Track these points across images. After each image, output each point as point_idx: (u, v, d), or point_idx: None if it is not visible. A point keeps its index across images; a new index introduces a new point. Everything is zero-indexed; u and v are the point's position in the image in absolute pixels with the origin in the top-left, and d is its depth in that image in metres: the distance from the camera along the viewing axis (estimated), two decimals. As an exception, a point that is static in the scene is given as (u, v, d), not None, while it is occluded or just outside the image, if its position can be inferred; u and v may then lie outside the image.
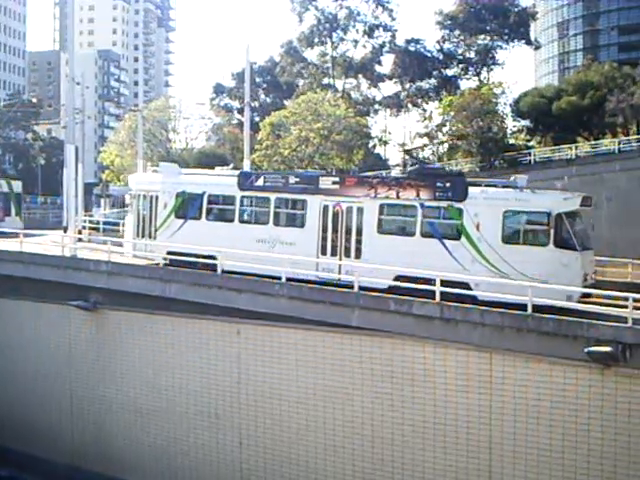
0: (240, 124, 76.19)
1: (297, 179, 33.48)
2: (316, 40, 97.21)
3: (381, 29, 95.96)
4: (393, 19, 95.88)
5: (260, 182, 33.80)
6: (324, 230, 31.79)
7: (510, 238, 28.54)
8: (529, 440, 24.64)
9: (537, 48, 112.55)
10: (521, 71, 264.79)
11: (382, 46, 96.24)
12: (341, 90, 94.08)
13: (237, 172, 36.77)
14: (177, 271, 32.27)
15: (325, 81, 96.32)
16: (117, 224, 51.30)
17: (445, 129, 77.47)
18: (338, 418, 28.03)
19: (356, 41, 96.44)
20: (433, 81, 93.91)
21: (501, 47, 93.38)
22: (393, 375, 26.86)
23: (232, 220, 34.01)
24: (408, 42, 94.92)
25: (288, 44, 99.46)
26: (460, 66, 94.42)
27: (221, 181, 35.67)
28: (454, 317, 25.93)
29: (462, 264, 28.68)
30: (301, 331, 28.74)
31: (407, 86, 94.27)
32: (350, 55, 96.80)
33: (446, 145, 78.62)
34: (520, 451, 24.80)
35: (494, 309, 25.37)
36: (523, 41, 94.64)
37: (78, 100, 57.80)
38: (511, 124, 79.43)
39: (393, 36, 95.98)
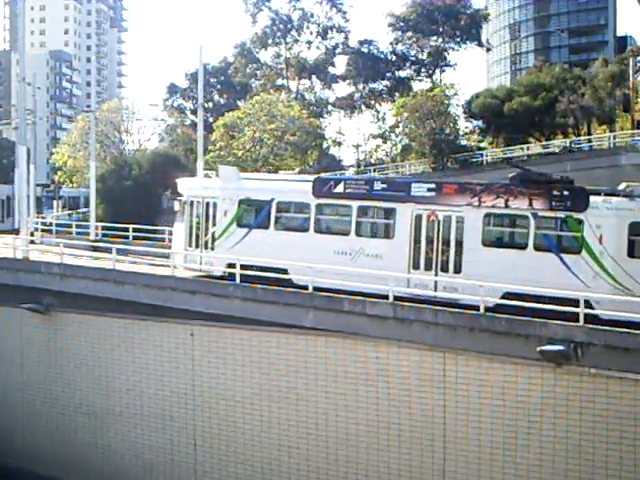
0: (193, 125, 75.93)
1: (384, 185, 30.36)
2: (270, 41, 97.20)
3: (335, 31, 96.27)
4: (347, 21, 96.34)
5: (339, 188, 30.65)
6: (416, 242, 28.92)
7: (636, 252, 26.31)
8: (482, 439, 24.83)
9: (489, 50, 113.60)
10: (473, 72, 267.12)
11: (335, 47, 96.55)
12: (295, 91, 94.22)
13: (312, 177, 33.64)
14: (130, 273, 32.00)
15: (279, 82, 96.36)
16: (70, 225, 50.81)
17: (398, 130, 77.90)
18: (292, 419, 28.03)
19: (310, 42, 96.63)
20: (386, 82, 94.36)
21: (453, 49, 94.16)
22: (347, 375, 26.92)
23: (306, 230, 30.96)
24: (361, 44, 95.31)
25: (242, 45, 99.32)
26: (413, 67, 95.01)
27: (293, 187, 32.45)
28: (408, 317, 26.05)
29: (583, 280, 26.16)
30: (255, 332, 28.67)
31: (360, 87, 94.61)
32: (304, 56, 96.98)
33: (399, 146, 78.99)
34: (474, 450, 24.99)
35: (448, 309, 25.55)
36: (475, 43, 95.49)
37: (29, 101, 57.18)
38: (463, 125, 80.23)
39: (346, 37, 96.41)
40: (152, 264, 34.09)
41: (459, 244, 28.27)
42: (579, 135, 74.01)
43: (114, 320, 31.88)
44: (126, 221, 48.57)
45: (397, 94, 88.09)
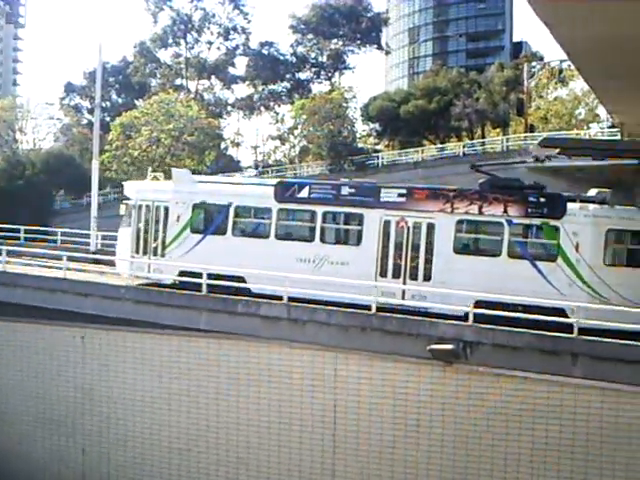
0: (90, 124, 74.58)
1: (352, 190, 29.37)
2: (170, 41, 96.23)
3: (236, 31, 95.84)
4: (248, 22, 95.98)
5: (304, 193, 29.65)
6: (385, 249, 28.21)
7: (614, 260, 26.28)
8: (372, 438, 25.10)
9: (388, 53, 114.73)
10: (372, 75, 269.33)
11: (236, 48, 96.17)
12: (194, 91, 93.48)
13: (273, 181, 32.14)
14: (22, 275, 31.22)
15: (178, 82, 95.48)
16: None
17: (297, 132, 78.14)
18: (183, 421, 27.86)
19: (210, 43, 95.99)
20: (286, 84, 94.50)
21: (353, 52, 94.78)
22: (240, 377, 26.88)
23: (266, 236, 29.85)
24: (262, 45, 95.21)
25: (142, 44, 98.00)
26: (312, 70, 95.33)
27: (252, 191, 31.24)
28: (301, 317, 26.16)
29: (558, 288, 25.90)
30: (148, 335, 28.36)
31: (260, 89, 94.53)
32: (204, 57, 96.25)
33: (298, 148, 79.25)
34: (363, 449, 25.24)
35: (340, 309, 25.74)
36: (375, 46, 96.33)
37: None
38: (361, 128, 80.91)
39: (247, 39, 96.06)
40: (46, 266, 33.09)
41: (429, 251, 27.69)
42: (473, 138, 75.49)
43: (4, 324, 31.10)
44: (17, 222, 47.35)
45: (296, 96, 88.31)
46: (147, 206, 31.59)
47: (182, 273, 29.59)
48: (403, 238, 28.02)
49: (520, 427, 23.35)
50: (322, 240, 29.15)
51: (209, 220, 31.15)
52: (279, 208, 29.83)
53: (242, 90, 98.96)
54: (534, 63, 77.32)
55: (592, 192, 28.32)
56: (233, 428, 27.03)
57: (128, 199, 32.90)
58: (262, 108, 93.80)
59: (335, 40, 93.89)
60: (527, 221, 26.90)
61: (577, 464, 22.88)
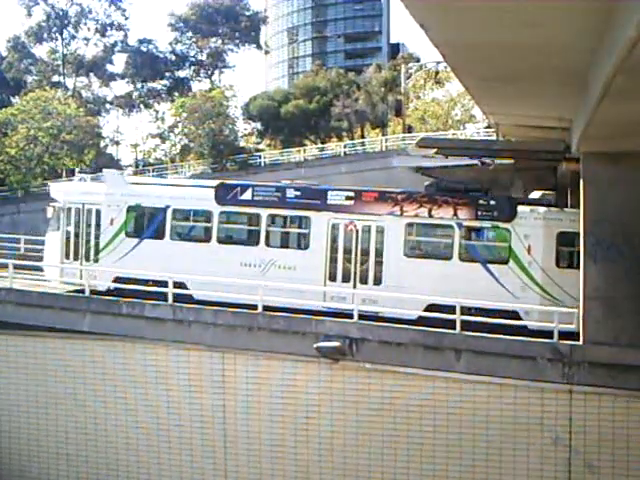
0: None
1: (298, 193, 28.78)
2: (46, 36, 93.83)
3: (114, 28, 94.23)
4: (126, 18, 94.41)
5: (247, 195, 28.87)
6: (333, 253, 27.92)
7: (565, 262, 26.39)
8: (263, 437, 25.29)
9: (267, 52, 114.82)
10: (252, 75, 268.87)
11: (114, 45, 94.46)
12: (72, 88, 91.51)
13: (214, 183, 30.75)
14: None
15: (55, 79, 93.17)
16: None
17: (177, 130, 77.44)
18: (71, 425, 27.41)
19: (88, 39, 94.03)
20: (165, 82, 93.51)
21: (232, 50, 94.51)
22: (126, 379, 26.64)
23: (207, 240, 29.11)
24: (141, 42, 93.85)
25: (16, 39, 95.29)
26: (192, 68, 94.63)
27: (191, 193, 30.22)
28: (187, 318, 26.16)
29: (511, 291, 26.05)
30: (30, 338, 27.78)
31: (139, 86, 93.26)
32: (81, 53, 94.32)
33: (178, 146, 78.51)
34: (254, 448, 25.41)
35: (226, 309, 25.80)
36: (254, 45, 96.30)
37: None
38: (242, 127, 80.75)
39: (126, 35, 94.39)
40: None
41: (379, 255, 27.56)
42: (353, 138, 76.39)
43: None
44: None
45: (176, 94, 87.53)
46: (77, 209, 30.27)
47: (117, 279, 28.53)
48: (352, 241, 27.86)
49: (408, 422, 23.93)
50: (267, 244, 28.65)
51: (145, 223, 30.02)
52: (221, 211, 29.16)
53: (121, 87, 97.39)
54: (411, 64, 78.48)
55: (536, 194, 28.84)
56: (122, 431, 26.79)
57: (55, 201, 31.40)
58: (142, 106, 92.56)
59: (214, 39, 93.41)
60: (478, 224, 26.97)
61: (465, 457, 23.63)
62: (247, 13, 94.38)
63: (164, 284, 27.00)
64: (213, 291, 26.57)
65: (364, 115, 76.10)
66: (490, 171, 33.03)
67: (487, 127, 54.22)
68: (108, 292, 28.31)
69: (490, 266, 26.45)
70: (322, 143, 75.81)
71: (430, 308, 25.32)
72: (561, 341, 22.93)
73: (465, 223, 26.95)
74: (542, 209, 26.79)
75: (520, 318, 25.22)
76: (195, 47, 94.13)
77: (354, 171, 53.26)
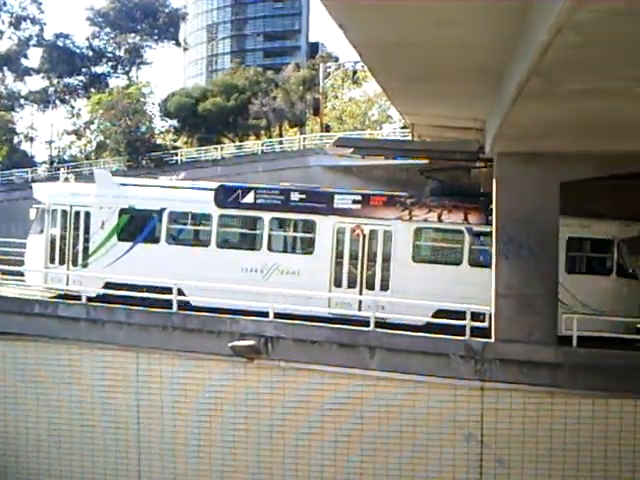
0: None
1: (303, 196, 28.06)
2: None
3: (29, 21, 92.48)
4: (42, 12, 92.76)
5: (249, 198, 28.08)
6: (339, 257, 27.39)
7: (574, 267, 26.42)
8: (177, 437, 25.15)
9: (186, 49, 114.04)
10: (171, 71, 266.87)
11: (29, 39, 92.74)
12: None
13: (213, 185, 29.59)
14: None
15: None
16: None
17: (93, 127, 76.40)
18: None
19: (1, 32, 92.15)
20: (82, 78, 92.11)
21: (150, 47, 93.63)
22: (38, 379, 26.15)
23: (206, 244, 28.33)
24: (57, 36, 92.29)
25: None
26: (110, 64, 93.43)
27: (189, 195, 29.16)
28: (100, 317, 25.80)
29: None
30: None
31: (55, 82, 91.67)
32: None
33: (94, 143, 77.46)
34: (169, 449, 25.25)
35: (140, 308, 25.55)
36: (173, 42, 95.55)
37: None
38: (159, 124, 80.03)
39: (42, 29, 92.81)
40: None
41: (386, 260, 27.09)
42: (271, 137, 76.38)
43: None
44: None
45: (93, 90, 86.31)
46: (63, 211, 28.98)
47: (108, 285, 27.26)
48: (359, 246, 27.41)
49: (322, 420, 24.01)
50: (270, 248, 28.01)
51: (139, 227, 28.96)
52: (220, 214, 28.40)
53: (36, 83, 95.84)
54: (329, 64, 78.82)
55: None
56: (33, 433, 26.29)
57: (38, 202, 30.12)
58: (57, 102, 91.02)
59: (133, 34, 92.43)
60: (488, 229, 25.74)
61: (379, 454, 23.82)
62: (166, 10, 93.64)
63: (159, 290, 26.14)
64: (212, 297, 25.73)
65: (282, 114, 76.18)
66: (405, 171, 33.36)
67: (403, 127, 54.71)
68: (98, 298, 27.11)
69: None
70: (240, 141, 75.60)
71: (438, 314, 24.99)
72: (473, 338, 23.25)
73: (475, 228, 26.80)
74: None
75: None
76: (113, 43, 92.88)
77: (271, 170, 53.13)
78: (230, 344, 24.13)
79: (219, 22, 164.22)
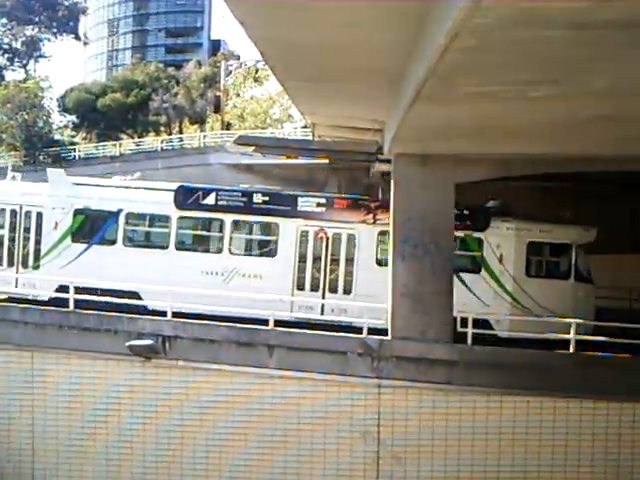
0: None
1: (266, 198, 27.77)
2: None
3: None
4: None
5: (210, 200, 27.66)
6: (302, 261, 27.21)
7: (534, 271, 27.03)
8: (74, 437, 24.67)
9: (86, 44, 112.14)
10: (70, 66, 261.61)
11: None
12: None
13: (173, 185, 28.80)
14: None
15: None
16: None
17: (-11, 121, 74.48)
18: None
19: None
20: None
21: (49, 40, 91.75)
22: None
23: (165, 247, 27.75)
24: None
25: None
26: (6, 56, 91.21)
27: (148, 196, 28.39)
28: (-6, 317, 25.21)
29: (483, 300, 26.24)
30: None
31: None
32: None
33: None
34: (64, 450, 24.71)
35: (36, 306, 25.13)
36: (72, 35, 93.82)
37: None
38: (58, 119, 78.59)
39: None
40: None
41: (350, 263, 27.03)
42: (171, 133, 75.80)
43: None
44: None
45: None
46: (12, 210, 28.20)
47: (61, 288, 26.17)
48: (322, 250, 27.29)
49: (224, 419, 23.92)
50: (231, 251, 27.75)
51: (95, 228, 28.21)
52: (180, 216, 27.93)
53: None
54: (231, 61, 78.57)
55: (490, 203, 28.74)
56: None
57: None
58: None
59: (31, 26, 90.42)
60: None
61: (277, 452, 23.79)
62: (66, 2, 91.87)
63: (115, 293, 25.65)
64: (170, 301, 24.95)
65: (183, 110, 75.80)
66: (306, 170, 33.52)
67: (304, 127, 54.93)
68: (50, 302, 26.24)
69: (462, 274, 26.20)
70: (140, 138, 74.75)
71: None
72: (370, 336, 23.51)
73: None
74: (515, 219, 27.12)
75: (492, 327, 25.65)
76: (9, 34, 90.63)
77: (170, 167, 52.67)
78: (127, 343, 23.87)
79: (120, 17, 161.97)
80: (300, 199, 27.87)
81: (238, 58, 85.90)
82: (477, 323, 24.29)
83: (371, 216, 27.13)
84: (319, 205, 27.64)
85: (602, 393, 22.72)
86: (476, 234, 26.77)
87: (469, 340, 23.52)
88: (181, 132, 76.81)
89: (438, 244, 23.32)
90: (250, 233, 28.93)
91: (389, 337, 23.47)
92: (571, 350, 23.25)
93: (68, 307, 25.11)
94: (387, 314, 23.76)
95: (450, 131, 19.65)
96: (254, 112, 77.38)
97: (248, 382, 23.80)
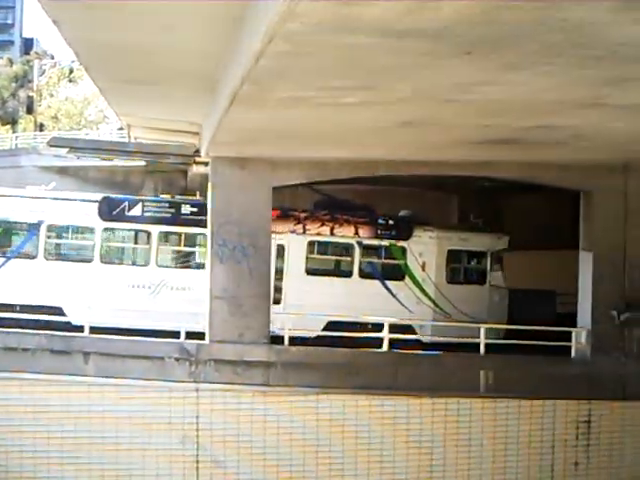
0: None
1: (194, 209, 26.87)
2: None
3: None
4: None
5: (136, 211, 26.65)
6: None
7: (454, 278, 27.78)
8: None
9: None
10: None
11: None
12: None
13: (96, 196, 27.71)
14: None
15: None
16: None
17: None
18: None
19: None
20: None
21: None
22: None
23: (89, 260, 26.57)
24: None
25: None
26: None
27: (70, 207, 26.99)
28: None
29: (407, 306, 26.62)
30: None
31: None
32: None
33: None
34: None
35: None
36: None
37: None
38: None
39: None
40: None
41: (279, 273, 26.62)
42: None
43: None
44: None
45: None
46: None
47: None
48: None
49: (42, 429, 23.02)
50: (158, 264, 26.97)
51: (13, 241, 27.27)
52: (105, 227, 26.99)
53: None
54: (45, 61, 76.53)
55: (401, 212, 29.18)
56: None
57: None
58: None
59: None
60: (377, 242, 27.49)
61: (94, 459, 23.23)
62: None
63: (37, 310, 24.56)
64: (95, 316, 24.27)
65: (-8, 110, 73.23)
66: (122, 173, 33.15)
67: (120, 128, 54.08)
68: None
69: (388, 282, 27.10)
70: None
71: (329, 326, 25.35)
72: (188, 340, 23.45)
73: (365, 241, 27.46)
74: (435, 228, 27.97)
75: (415, 332, 26.10)
76: None
77: (-19, 169, 50.62)
78: None
79: None
80: None
81: (52, 57, 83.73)
82: (401, 328, 25.16)
83: (300, 226, 27.53)
84: None
85: (414, 389, 23.49)
86: (400, 243, 27.51)
87: (286, 341, 23.86)
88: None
89: (256, 247, 23.58)
90: (178, 245, 28.58)
91: (207, 341, 23.47)
92: (384, 349, 24.00)
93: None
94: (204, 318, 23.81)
95: (266, 135, 19.87)
96: (69, 113, 75.72)
97: (62, 390, 23.15)
